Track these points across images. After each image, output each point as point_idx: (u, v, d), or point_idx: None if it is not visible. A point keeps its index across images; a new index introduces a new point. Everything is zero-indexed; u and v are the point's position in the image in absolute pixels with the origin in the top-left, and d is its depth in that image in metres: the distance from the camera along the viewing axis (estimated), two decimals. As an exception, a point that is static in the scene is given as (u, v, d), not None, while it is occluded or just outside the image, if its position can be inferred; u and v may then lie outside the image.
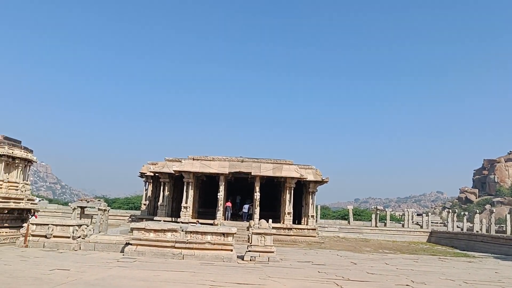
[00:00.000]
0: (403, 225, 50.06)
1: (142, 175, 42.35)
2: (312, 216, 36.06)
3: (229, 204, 36.04)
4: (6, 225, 20.78)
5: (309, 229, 34.25)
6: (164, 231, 18.35)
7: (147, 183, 42.74)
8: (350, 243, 37.30)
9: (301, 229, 34.26)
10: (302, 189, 37.39)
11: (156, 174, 38.92)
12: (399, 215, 73.61)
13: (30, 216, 22.61)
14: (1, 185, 20.69)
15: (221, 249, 18.22)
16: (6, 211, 20.45)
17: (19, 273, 12.22)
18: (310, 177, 35.35)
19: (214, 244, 18.20)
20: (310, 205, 36.27)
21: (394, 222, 55.22)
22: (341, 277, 14.90)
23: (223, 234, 18.40)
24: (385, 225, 49.91)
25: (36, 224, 19.70)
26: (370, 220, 51.67)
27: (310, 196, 36.37)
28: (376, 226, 49.21)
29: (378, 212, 52.74)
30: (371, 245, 35.71)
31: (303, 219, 36.67)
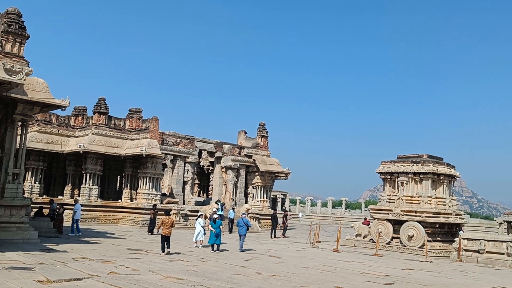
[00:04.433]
0: None
1: None
2: None
3: None
4: (438, 239, 21.89)
5: None
6: None
7: None
8: None
9: None
10: None
11: None
12: None
13: (459, 231, 23.05)
14: (430, 200, 22.04)
15: None
16: (437, 226, 21.56)
17: None
18: None
19: None
20: None
21: None
22: None
23: None
24: None
25: (467, 239, 19.87)
26: None
27: None
28: None
29: None
30: None
31: None
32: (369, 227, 23.83)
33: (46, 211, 22.02)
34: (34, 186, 30.17)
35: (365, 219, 28.23)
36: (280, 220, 31.16)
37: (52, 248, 14.84)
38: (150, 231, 24.36)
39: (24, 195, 17.92)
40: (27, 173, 29.02)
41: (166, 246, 15.80)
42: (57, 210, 21.86)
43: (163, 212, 18.24)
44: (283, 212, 33.45)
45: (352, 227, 25.25)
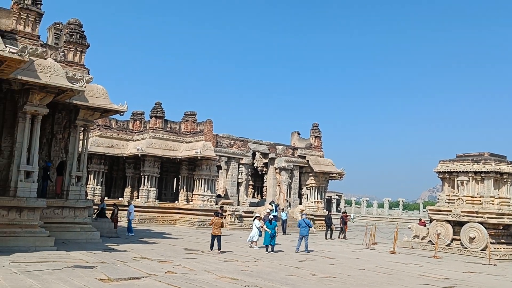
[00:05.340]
0: None
1: None
2: None
3: None
4: (503, 241, 20.87)
5: None
6: None
7: None
8: None
9: None
10: None
11: None
12: None
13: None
14: (493, 201, 21.06)
15: None
16: (501, 227, 20.58)
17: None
18: None
19: None
20: None
21: None
22: None
23: None
24: None
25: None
26: None
27: None
28: None
29: None
30: None
31: None
32: (427, 229, 23.10)
33: (108, 213, 22.91)
34: (96, 188, 31.46)
35: (420, 220, 27.26)
36: (336, 222, 30.80)
37: (113, 248, 15.45)
38: None
39: (87, 197, 18.78)
40: (89, 176, 30.36)
41: (217, 245, 16.27)
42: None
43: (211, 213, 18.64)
44: (341, 214, 33.02)
45: (409, 228, 24.57)
